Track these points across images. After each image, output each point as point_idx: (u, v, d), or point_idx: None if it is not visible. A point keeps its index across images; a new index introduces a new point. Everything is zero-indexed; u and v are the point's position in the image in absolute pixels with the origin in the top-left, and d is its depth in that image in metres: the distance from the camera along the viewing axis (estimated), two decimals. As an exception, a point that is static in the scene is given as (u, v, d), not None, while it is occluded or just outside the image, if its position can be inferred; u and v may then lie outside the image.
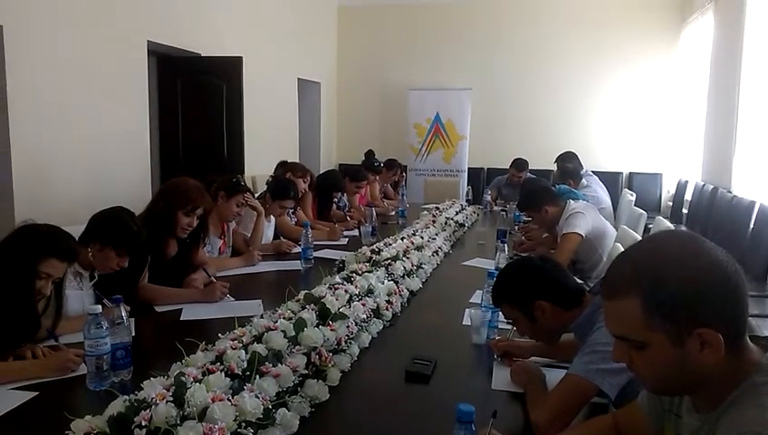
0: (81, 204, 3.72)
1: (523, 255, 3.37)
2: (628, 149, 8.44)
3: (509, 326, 2.01)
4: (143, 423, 1.19)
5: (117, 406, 1.25)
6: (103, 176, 4.52)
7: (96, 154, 4.48)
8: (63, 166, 4.19)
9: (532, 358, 1.97)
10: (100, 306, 1.75)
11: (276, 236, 3.92)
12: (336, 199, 4.95)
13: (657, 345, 1.00)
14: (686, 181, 7.31)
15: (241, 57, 5.73)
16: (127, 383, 1.73)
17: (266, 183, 4.06)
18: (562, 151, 5.93)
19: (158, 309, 2.48)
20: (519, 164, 6.35)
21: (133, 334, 1.89)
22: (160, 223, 2.68)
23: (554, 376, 1.71)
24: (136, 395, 1.28)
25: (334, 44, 9.40)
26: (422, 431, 1.57)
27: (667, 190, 8.30)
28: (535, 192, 3.75)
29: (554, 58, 8.49)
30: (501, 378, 1.85)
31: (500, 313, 1.99)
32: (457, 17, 8.81)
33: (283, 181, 3.98)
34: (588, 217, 3.43)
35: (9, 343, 1.84)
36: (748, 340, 1.03)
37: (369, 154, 6.88)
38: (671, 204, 7.79)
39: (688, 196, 7.05)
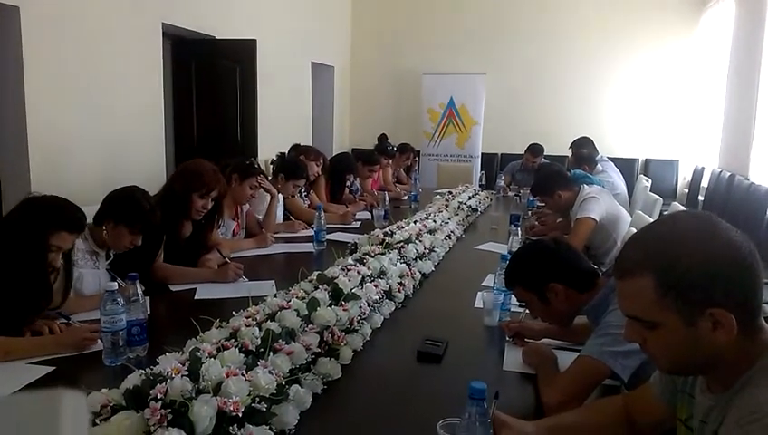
0: (96, 186, 3.75)
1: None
2: (645, 135, 8.34)
3: (521, 309, 2.01)
4: (159, 396, 1.21)
5: (133, 379, 1.27)
6: (118, 158, 4.55)
7: (111, 136, 4.51)
8: (79, 148, 4.22)
9: (544, 340, 1.98)
10: (116, 283, 1.78)
11: (286, 217, 3.94)
12: (349, 184, 4.95)
13: (670, 325, 1.00)
14: (703, 168, 7.23)
15: (255, 40, 5.72)
16: (142, 360, 1.76)
17: (271, 162, 4.04)
18: (577, 137, 5.88)
19: (173, 288, 2.50)
20: (535, 149, 6.27)
21: (148, 312, 1.91)
22: (176, 205, 2.70)
23: (566, 358, 1.71)
24: (152, 369, 1.30)
25: (348, 28, 9.35)
26: (433, 409, 1.57)
27: (684, 177, 8.22)
28: (548, 177, 3.72)
29: (570, 43, 8.37)
30: (512, 359, 1.86)
31: (512, 296, 1.99)
32: (472, 2, 8.72)
33: (291, 160, 3.99)
34: (602, 201, 3.41)
35: (22, 316, 1.86)
36: (763, 321, 1.02)
37: (383, 138, 6.86)
38: (687, 191, 7.71)
39: (705, 183, 6.98)
